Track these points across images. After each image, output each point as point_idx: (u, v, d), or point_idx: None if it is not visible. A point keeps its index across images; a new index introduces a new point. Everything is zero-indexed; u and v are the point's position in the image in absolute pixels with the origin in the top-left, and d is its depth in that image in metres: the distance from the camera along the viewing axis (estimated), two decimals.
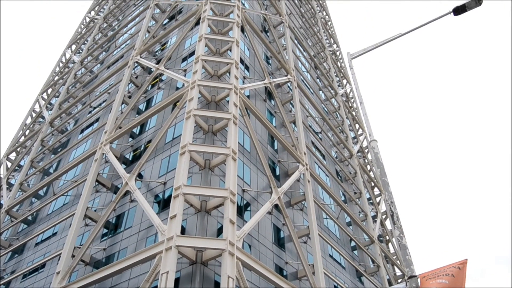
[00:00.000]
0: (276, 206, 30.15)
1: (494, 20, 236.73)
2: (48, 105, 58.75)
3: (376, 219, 47.86)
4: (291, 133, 36.31)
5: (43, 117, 57.38)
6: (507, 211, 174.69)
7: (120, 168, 30.08)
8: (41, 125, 53.25)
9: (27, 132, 57.47)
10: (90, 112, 47.45)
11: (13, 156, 54.90)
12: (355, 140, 60.41)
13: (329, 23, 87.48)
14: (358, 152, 58.03)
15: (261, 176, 31.84)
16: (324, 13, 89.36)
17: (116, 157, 33.05)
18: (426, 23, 19.12)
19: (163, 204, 27.52)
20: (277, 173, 34.95)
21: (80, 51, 67.41)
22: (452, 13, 18.46)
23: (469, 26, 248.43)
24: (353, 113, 65.17)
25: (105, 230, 30.11)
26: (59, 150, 46.90)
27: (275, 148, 37.02)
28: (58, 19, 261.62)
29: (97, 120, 44.11)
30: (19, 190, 44.03)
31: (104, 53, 59.15)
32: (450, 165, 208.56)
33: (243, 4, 44.80)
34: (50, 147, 47.94)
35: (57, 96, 59.34)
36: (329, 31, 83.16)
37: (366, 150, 60.42)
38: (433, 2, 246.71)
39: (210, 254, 21.80)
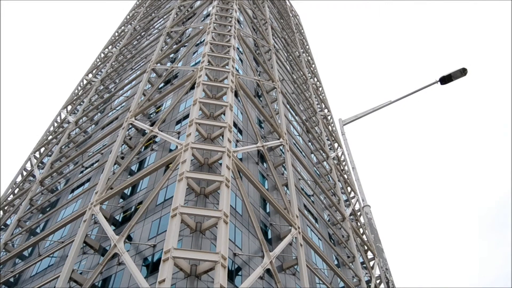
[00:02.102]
0: (268, 270, 29.49)
1: (482, 73, 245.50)
2: (40, 164, 58.57)
3: (370, 284, 46.73)
4: (283, 196, 36.28)
5: (33, 176, 56.98)
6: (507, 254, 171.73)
7: (109, 229, 29.59)
8: (31, 184, 52.78)
9: (16, 191, 56.80)
10: (81, 172, 47.30)
11: None
12: (347, 203, 60.25)
13: (320, 88, 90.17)
14: (350, 215, 57.68)
15: (253, 240, 31.39)
16: (315, 79, 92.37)
17: (106, 218, 32.60)
18: (413, 92, 19.87)
19: (152, 267, 26.84)
20: (269, 237, 34.50)
21: (76, 111, 68.33)
22: (439, 83, 19.28)
23: (456, 90, 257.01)
24: (345, 176, 65.53)
25: None
26: (47, 209, 46.17)
27: (267, 211, 36.81)
28: (58, 19, 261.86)
29: (88, 180, 43.89)
30: (3, 250, 42.76)
31: (99, 114, 60.00)
32: (444, 228, 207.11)
33: (237, 70, 46.33)
34: (39, 206, 47.22)
35: (50, 155, 59.34)
36: (320, 96, 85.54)
37: (358, 213, 60.11)
38: (424, 67, 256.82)
39: None
